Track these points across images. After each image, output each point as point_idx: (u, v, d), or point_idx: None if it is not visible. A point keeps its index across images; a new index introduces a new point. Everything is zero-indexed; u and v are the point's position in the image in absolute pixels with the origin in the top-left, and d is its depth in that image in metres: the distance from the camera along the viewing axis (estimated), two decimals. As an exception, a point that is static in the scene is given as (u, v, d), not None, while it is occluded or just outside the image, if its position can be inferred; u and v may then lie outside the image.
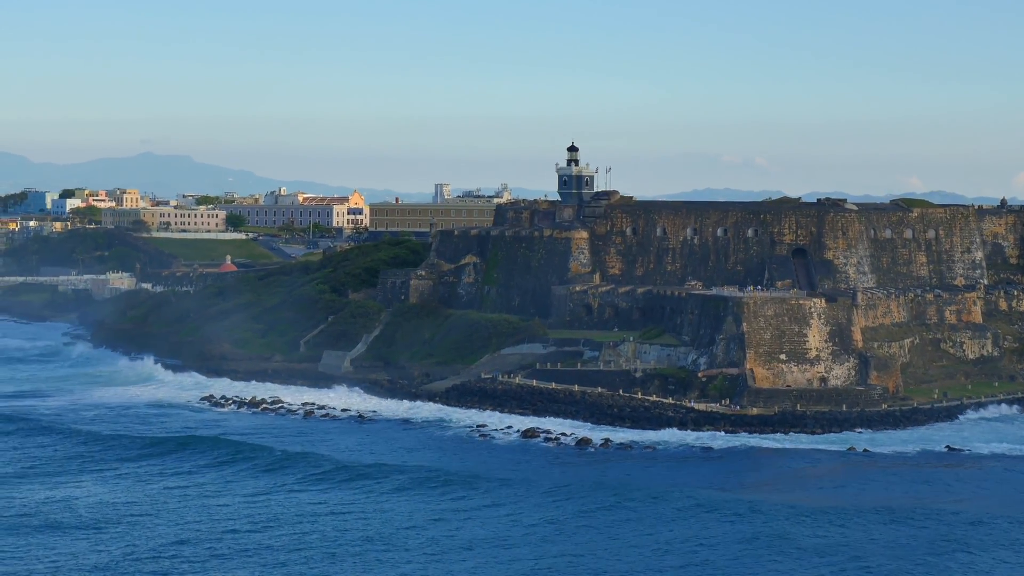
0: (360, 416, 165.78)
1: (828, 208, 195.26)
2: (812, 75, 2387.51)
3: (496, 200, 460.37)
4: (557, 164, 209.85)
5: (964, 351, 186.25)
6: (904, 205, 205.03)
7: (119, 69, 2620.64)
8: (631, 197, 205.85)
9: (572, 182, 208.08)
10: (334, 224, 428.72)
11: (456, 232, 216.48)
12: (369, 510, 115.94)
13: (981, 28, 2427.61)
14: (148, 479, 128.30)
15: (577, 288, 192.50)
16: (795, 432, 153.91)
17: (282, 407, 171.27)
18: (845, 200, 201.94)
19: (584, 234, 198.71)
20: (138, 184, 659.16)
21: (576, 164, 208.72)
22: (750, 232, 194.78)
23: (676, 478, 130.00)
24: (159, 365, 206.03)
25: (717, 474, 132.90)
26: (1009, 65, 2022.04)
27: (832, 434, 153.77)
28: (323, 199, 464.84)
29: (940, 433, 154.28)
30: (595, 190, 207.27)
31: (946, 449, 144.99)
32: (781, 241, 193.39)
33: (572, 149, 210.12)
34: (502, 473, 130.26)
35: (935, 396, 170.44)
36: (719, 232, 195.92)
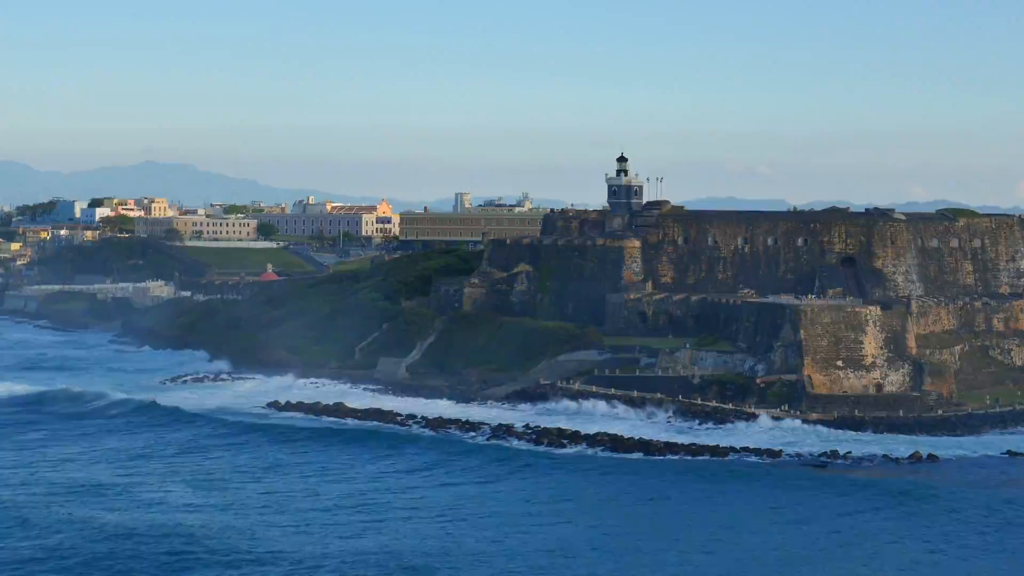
0: (424, 420, 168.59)
1: (877, 218, 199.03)
2: (815, 84, 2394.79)
3: (517, 209, 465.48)
4: (607, 174, 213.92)
5: (1012, 358, 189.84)
6: (950, 215, 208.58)
7: (121, 78, 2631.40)
8: (682, 206, 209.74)
9: (622, 192, 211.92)
10: (363, 233, 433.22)
11: (508, 241, 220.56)
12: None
13: (985, 37, 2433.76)
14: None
15: (632, 296, 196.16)
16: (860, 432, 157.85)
17: (357, 414, 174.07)
18: (893, 210, 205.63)
19: (636, 243, 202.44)
20: (141, 193, 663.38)
21: (625, 174, 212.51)
22: (800, 241, 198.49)
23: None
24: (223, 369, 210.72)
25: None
26: (1013, 74, 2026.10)
27: (890, 435, 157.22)
28: (351, 208, 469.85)
29: (1000, 438, 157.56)
30: (643, 200, 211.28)
31: (1008, 454, 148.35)
32: (831, 250, 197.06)
33: (621, 159, 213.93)
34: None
35: (987, 402, 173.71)
36: (769, 241, 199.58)
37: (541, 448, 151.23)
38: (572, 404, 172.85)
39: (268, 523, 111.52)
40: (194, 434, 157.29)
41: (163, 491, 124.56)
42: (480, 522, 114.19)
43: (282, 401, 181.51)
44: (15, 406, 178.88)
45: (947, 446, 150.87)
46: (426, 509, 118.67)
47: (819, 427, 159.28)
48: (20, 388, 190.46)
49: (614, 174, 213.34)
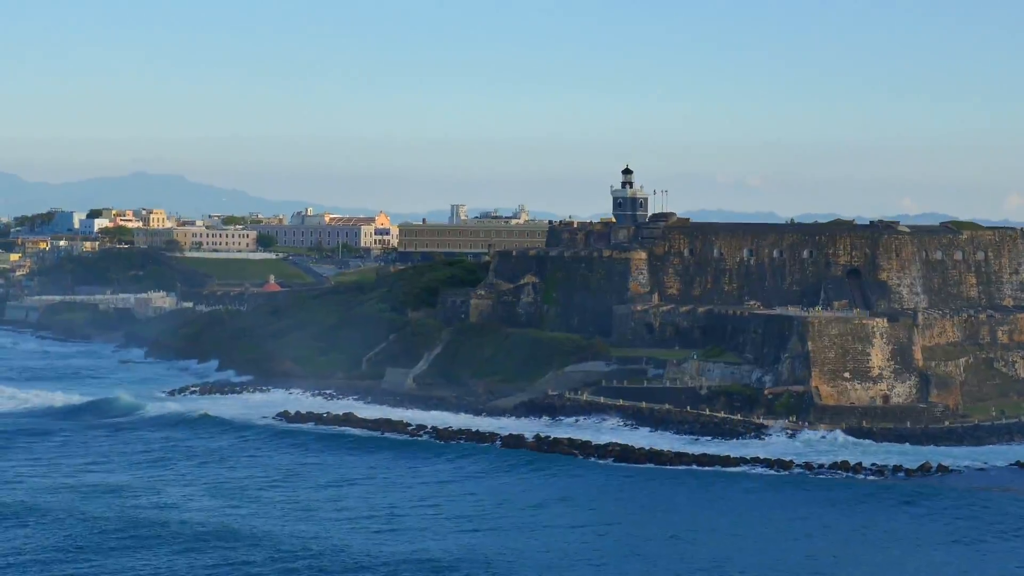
0: (433, 431, 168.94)
1: (882, 230, 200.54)
2: (805, 96, 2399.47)
3: (514, 221, 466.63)
4: (612, 186, 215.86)
5: (1016, 370, 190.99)
6: (953, 227, 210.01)
7: (111, 88, 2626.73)
8: (687, 219, 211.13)
9: (627, 204, 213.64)
10: (361, 244, 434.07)
11: (514, 252, 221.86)
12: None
13: (972, 49, 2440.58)
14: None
15: (638, 307, 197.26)
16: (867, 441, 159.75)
17: (368, 424, 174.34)
18: (898, 223, 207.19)
19: (643, 255, 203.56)
20: (131, 203, 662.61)
21: (631, 186, 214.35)
22: (805, 253, 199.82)
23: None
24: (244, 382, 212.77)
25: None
26: (999, 86, 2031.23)
27: (898, 446, 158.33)
28: (349, 219, 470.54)
29: (1007, 449, 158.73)
30: (648, 212, 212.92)
31: (1016, 465, 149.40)
32: (836, 262, 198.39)
33: (627, 172, 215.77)
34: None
35: (993, 414, 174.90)
36: (775, 253, 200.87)
37: (552, 458, 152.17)
38: (581, 415, 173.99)
39: (295, 531, 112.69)
40: (223, 444, 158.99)
41: (187, 497, 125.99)
42: (494, 531, 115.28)
43: (292, 411, 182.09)
44: (53, 416, 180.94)
45: (956, 457, 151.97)
46: (444, 519, 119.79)
47: (827, 438, 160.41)
48: (67, 398, 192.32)
49: (619, 186, 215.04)
